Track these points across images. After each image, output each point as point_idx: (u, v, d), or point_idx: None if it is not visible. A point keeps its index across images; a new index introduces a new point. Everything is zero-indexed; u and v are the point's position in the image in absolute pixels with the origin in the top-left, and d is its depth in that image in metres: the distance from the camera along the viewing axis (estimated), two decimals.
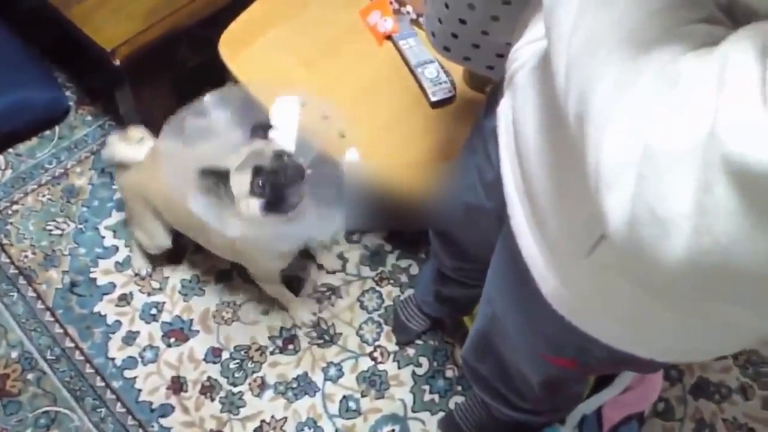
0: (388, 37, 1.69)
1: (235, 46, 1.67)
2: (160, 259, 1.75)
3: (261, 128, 1.34)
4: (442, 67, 1.64)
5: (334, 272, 1.78)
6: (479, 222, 1.08)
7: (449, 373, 1.67)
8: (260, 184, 1.23)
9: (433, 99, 1.60)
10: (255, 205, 1.25)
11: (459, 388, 1.66)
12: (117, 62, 1.54)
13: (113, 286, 1.72)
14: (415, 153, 1.56)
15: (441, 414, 1.62)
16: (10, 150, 1.90)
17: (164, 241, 1.63)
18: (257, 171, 1.24)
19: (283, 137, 1.35)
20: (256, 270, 1.61)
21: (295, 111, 1.45)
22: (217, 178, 1.26)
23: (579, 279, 0.69)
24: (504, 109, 0.81)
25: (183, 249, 1.77)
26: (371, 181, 1.45)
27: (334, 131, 1.47)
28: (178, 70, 1.84)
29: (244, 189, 1.25)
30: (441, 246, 1.33)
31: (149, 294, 1.72)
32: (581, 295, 0.70)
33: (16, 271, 1.72)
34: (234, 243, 1.46)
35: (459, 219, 1.18)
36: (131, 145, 1.56)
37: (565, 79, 0.54)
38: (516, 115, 0.77)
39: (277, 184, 1.24)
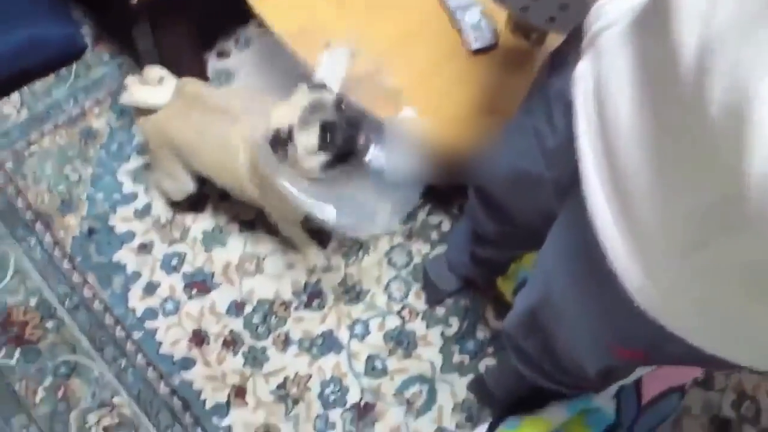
0: None
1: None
2: (181, 208, 1.68)
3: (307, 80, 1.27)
4: (484, 12, 1.52)
5: None
6: (533, 191, 0.99)
7: (480, 335, 1.61)
8: (331, 139, 1.19)
9: (475, 46, 1.49)
10: (322, 159, 1.20)
11: (490, 350, 1.60)
12: (134, 0, 1.44)
13: (133, 234, 1.66)
14: (454, 105, 1.47)
15: (470, 376, 1.56)
16: (25, 89, 1.81)
17: (189, 186, 1.56)
18: (324, 128, 1.18)
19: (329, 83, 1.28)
20: (280, 212, 1.53)
21: (343, 62, 1.36)
22: (279, 137, 1.20)
23: (671, 278, 0.61)
24: (583, 73, 0.72)
25: (205, 197, 1.70)
26: (410, 134, 1.36)
27: (384, 87, 1.39)
28: (200, 6, 1.73)
29: (311, 145, 1.20)
30: (483, 209, 1.25)
31: (170, 244, 1.66)
32: (672, 295, 0.62)
33: (34, 216, 1.66)
34: (267, 187, 1.39)
35: (508, 184, 1.09)
36: (151, 87, 1.48)
37: (697, 59, 0.46)
38: (602, 83, 0.67)
39: (349, 137, 1.19)
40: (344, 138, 1.19)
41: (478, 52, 1.50)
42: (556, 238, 0.90)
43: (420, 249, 1.70)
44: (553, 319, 0.96)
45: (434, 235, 1.72)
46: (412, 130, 1.32)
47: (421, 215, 1.74)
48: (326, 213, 1.22)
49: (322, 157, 1.20)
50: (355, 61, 1.37)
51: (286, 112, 1.22)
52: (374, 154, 1.23)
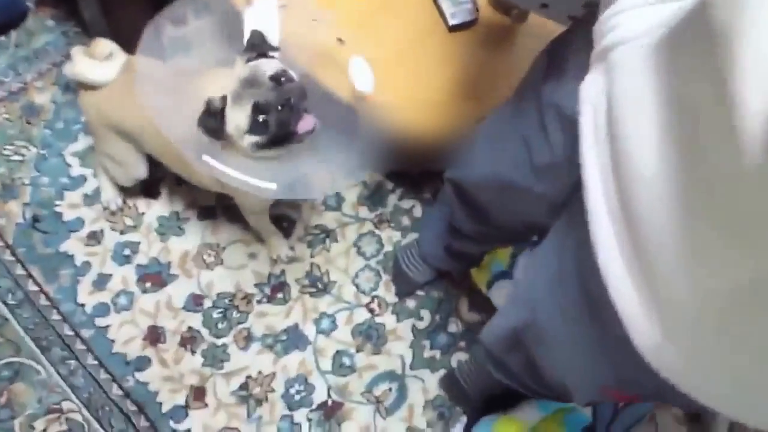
0: None
1: None
2: (133, 193, 1.56)
3: (254, 45, 1.13)
4: None
5: (328, 211, 1.60)
6: (518, 201, 0.90)
7: (452, 328, 1.54)
8: (262, 121, 1.05)
9: (452, 22, 1.37)
10: (254, 141, 1.07)
11: (462, 344, 1.53)
12: None
13: (81, 222, 1.54)
14: (429, 86, 1.35)
15: (442, 372, 1.49)
16: None
17: (139, 171, 1.44)
18: (257, 108, 1.05)
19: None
20: (244, 201, 1.42)
21: (273, 14, 1.23)
22: (210, 110, 1.07)
23: (701, 345, 0.52)
24: (591, 91, 0.61)
25: (159, 181, 1.58)
26: (378, 116, 1.25)
27: (326, 36, 1.26)
28: None
29: (241, 126, 1.07)
30: (461, 207, 1.16)
31: (122, 232, 1.54)
32: (698, 361, 0.53)
33: None
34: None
35: (491, 190, 1.00)
36: (98, 62, 1.34)
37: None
38: (615, 107, 0.57)
39: (282, 121, 1.06)
40: (278, 122, 1.05)
41: (456, 28, 1.38)
42: (546, 261, 0.81)
43: (390, 236, 1.60)
44: (539, 344, 0.88)
45: (405, 221, 1.62)
46: (360, 101, 1.21)
47: (392, 200, 1.64)
48: (264, 190, 1.10)
49: (254, 139, 1.07)
50: (287, 11, 1.23)
51: (222, 84, 1.09)
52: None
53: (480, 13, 1.39)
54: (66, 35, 1.71)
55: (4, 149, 1.58)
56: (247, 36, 1.17)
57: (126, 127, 1.33)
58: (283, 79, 1.08)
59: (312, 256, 1.56)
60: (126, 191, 1.55)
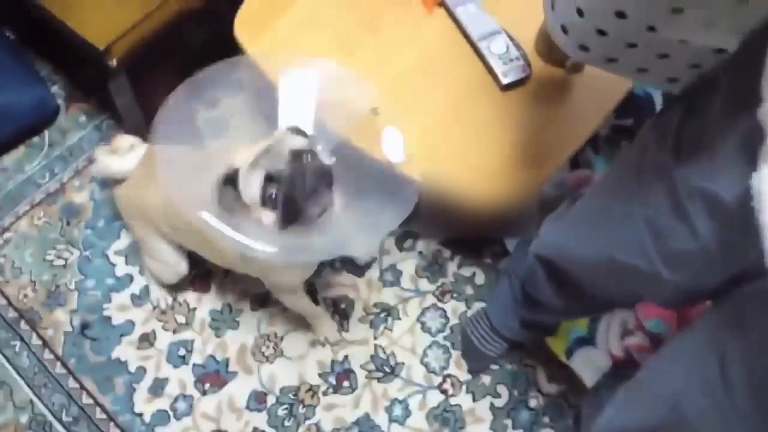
0: (440, 4, 1.37)
1: (253, 26, 1.36)
2: (183, 287, 1.48)
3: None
4: (512, 39, 1.32)
5: (387, 288, 1.51)
6: (636, 282, 0.82)
7: (533, 403, 1.43)
8: (272, 195, 0.98)
9: (505, 81, 1.29)
10: (269, 217, 1.00)
11: (546, 419, 1.41)
12: (113, 63, 1.24)
13: (132, 324, 1.46)
14: (484, 149, 1.27)
15: None
16: None
17: (179, 267, 1.37)
18: (269, 178, 0.98)
19: (296, 118, 1.10)
20: (273, 281, 1.34)
21: (311, 85, 1.16)
22: (230, 180, 1.00)
23: None
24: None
25: (208, 272, 1.51)
26: (427, 185, 1.17)
27: (363, 108, 1.19)
28: (184, 53, 1.53)
29: (254, 196, 0.99)
30: (551, 284, 1.07)
31: (175, 331, 1.46)
32: None
33: (16, 314, 1.46)
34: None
35: (598, 272, 0.92)
36: (122, 156, 1.31)
37: None
38: None
39: (292, 197, 0.98)
40: (285, 198, 0.98)
41: (509, 87, 1.30)
42: (697, 360, 0.73)
43: (455, 308, 1.51)
44: None
45: (469, 290, 1.53)
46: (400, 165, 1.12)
47: (451, 268, 1.54)
48: (265, 247, 1.01)
49: (272, 217, 1.00)
50: (325, 82, 1.16)
51: (247, 153, 1.02)
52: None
53: (533, 69, 1.31)
54: (99, 129, 1.66)
55: (47, 255, 1.52)
56: (281, 107, 1.11)
57: (151, 215, 1.28)
58: (307, 156, 1.01)
59: (375, 338, 1.47)
60: (175, 287, 1.47)
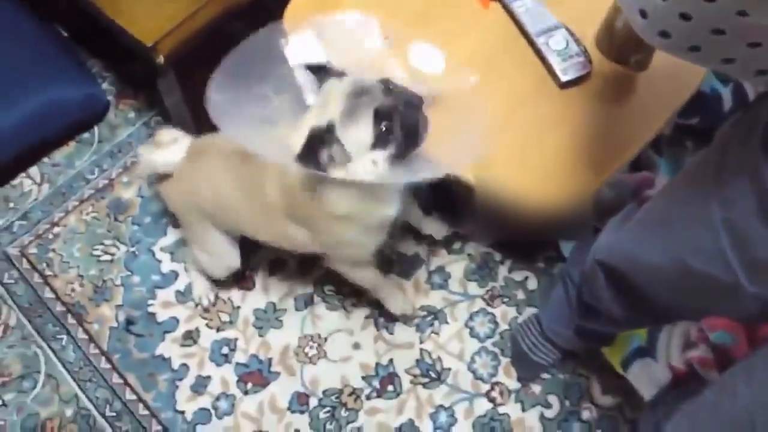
0: None
1: (303, 20, 1.32)
2: (227, 285, 1.47)
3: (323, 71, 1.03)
4: (572, 35, 1.26)
5: (434, 290, 1.47)
6: (710, 294, 0.76)
7: (586, 415, 1.36)
8: (389, 130, 0.93)
9: (564, 78, 1.23)
10: (380, 157, 0.95)
11: None
12: (160, 59, 1.22)
13: (176, 321, 1.45)
14: (542, 150, 1.21)
15: None
16: (45, 160, 1.62)
17: (232, 260, 1.36)
18: (379, 115, 0.93)
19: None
20: (342, 254, 1.30)
21: (313, 44, 1.14)
22: (316, 140, 0.94)
23: None
24: None
25: (252, 270, 1.49)
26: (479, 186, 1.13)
27: (373, 42, 1.17)
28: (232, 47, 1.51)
29: (364, 141, 0.94)
30: (613, 293, 1.01)
31: (218, 329, 1.45)
32: None
33: (64, 309, 1.47)
34: (325, 222, 1.15)
35: (666, 278, 0.86)
36: (166, 150, 1.29)
37: None
38: None
39: (411, 122, 0.95)
40: (405, 126, 0.94)
41: (568, 84, 1.24)
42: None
43: (505, 313, 1.45)
44: None
45: (520, 295, 1.47)
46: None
47: (502, 272, 1.49)
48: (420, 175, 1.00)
49: (383, 154, 0.95)
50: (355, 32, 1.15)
51: (319, 111, 0.97)
52: None
53: (593, 65, 1.25)
54: (147, 125, 1.67)
55: (94, 249, 1.52)
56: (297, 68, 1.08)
57: (205, 205, 1.26)
58: (391, 85, 0.97)
59: (421, 342, 1.42)
60: (219, 284, 1.46)
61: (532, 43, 1.28)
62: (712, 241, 0.73)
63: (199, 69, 1.37)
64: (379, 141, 0.94)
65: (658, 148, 1.53)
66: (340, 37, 1.19)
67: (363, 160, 0.95)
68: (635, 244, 0.93)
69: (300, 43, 1.11)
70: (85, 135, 1.65)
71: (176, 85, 1.38)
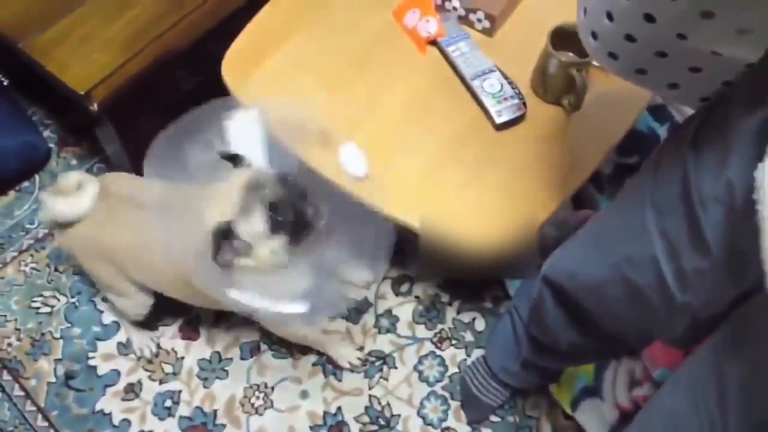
0: (432, 43, 1.34)
1: (241, 68, 1.32)
2: (170, 334, 1.43)
3: (229, 157, 1.06)
4: (506, 77, 1.28)
5: (381, 334, 1.45)
6: (648, 312, 0.79)
7: None
8: (279, 218, 0.98)
9: (499, 120, 1.24)
10: (278, 244, 0.99)
11: None
12: (94, 107, 1.21)
13: (117, 374, 1.41)
14: (480, 190, 1.22)
15: None
16: None
17: (146, 299, 1.31)
18: (272, 207, 0.98)
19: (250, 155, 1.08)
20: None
21: (254, 123, 1.14)
22: (219, 236, 0.97)
23: None
24: None
25: (197, 318, 1.46)
26: (423, 226, 1.15)
27: (314, 131, 1.18)
28: (174, 96, 1.50)
29: (259, 230, 0.98)
30: (561, 314, 1.04)
31: (161, 381, 1.41)
32: None
33: None
34: None
35: (610, 297, 0.88)
36: (71, 197, 1.22)
37: None
38: None
39: (300, 212, 1.00)
40: (296, 213, 0.99)
41: (503, 126, 1.25)
42: (689, 382, 0.72)
43: (454, 355, 1.44)
44: None
45: (468, 336, 1.46)
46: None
47: (450, 314, 1.48)
48: (296, 308, 1.03)
49: (279, 241, 0.99)
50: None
51: (221, 205, 1.00)
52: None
53: (528, 107, 1.27)
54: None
55: (33, 301, 1.48)
56: (233, 147, 1.08)
57: (113, 255, 1.22)
58: (288, 178, 1.02)
59: (370, 388, 1.40)
60: (148, 324, 1.42)
61: (467, 86, 1.29)
62: (646, 250, 0.75)
63: (137, 115, 1.37)
64: (273, 230, 0.98)
65: (600, 186, 1.55)
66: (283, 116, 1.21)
67: (262, 248, 0.99)
68: (577, 260, 0.95)
69: (241, 121, 1.12)
70: (25, 184, 1.62)
71: (113, 132, 1.36)
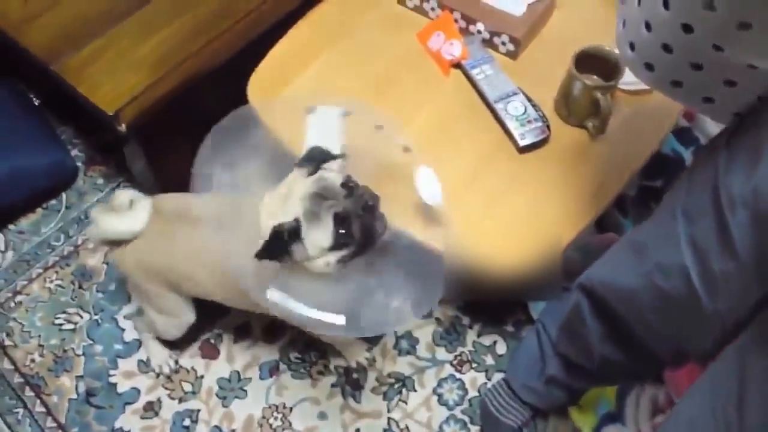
0: (456, 65, 1.35)
1: (266, 90, 1.34)
2: (190, 353, 1.44)
3: (312, 157, 1.03)
4: (530, 100, 1.28)
5: (402, 356, 1.44)
6: (677, 316, 0.80)
7: None
8: (348, 233, 0.95)
9: (522, 143, 1.24)
10: (335, 258, 0.97)
11: None
12: (122, 127, 1.23)
13: (137, 392, 1.41)
14: (503, 211, 1.21)
15: None
16: (11, 227, 1.61)
17: (190, 315, 1.32)
18: (339, 220, 0.94)
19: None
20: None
21: (335, 122, 1.15)
22: (281, 237, 0.94)
23: None
24: None
25: (218, 337, 1.46)
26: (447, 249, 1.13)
27: (393, 144, 1.16)
28: (201, 117, 1.52)
29: (324, 244, 0.95)
30: (597, 323, 1.03)
31: (181, 400, 1.41)
32: None
33: (22, 380, 1.42)
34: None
35: (641, 303, 0.89)
36: (122, 214, 1.23)
37: None
38: None
39: (368, 226, 0.96)
40: (362, 229, 0.96)
41: (526, 149, 1.25)
42: (711, 383, 0.74)
43: (474, 379, 1.42)
44: None
45: (489, 360, 1.44)
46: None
47: (471, 336, 1.47)
48: (333, 318, 0.99)
49: (338, 255, 0.97)
50: (350, 120, 1.16)
51: (283, 205, 0.98)
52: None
53: (552, 129, 1.27)
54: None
55: (56, 318, 1.50)
56: (309, 142, 1.08)
57: (167, 273, 1.23)
58: (352, 185, 0.98)
59: (389, 411, 1.39)
60: (175, 346, 1.42)
61: (491, 108, 1.30)
62: (677, 259, 0.76)
63: (163, 135, 1.39)
64: (337, 244, 0.96)
65: (624, 209, 1.54)
66: (362, 123, 1.19)
67: (319, 260, 0.97)
68: (611, 269, 0.97)
69: (324, 116, 1.13)
70: (53, 201, 1.64)
71: (140, 151, 1.38)
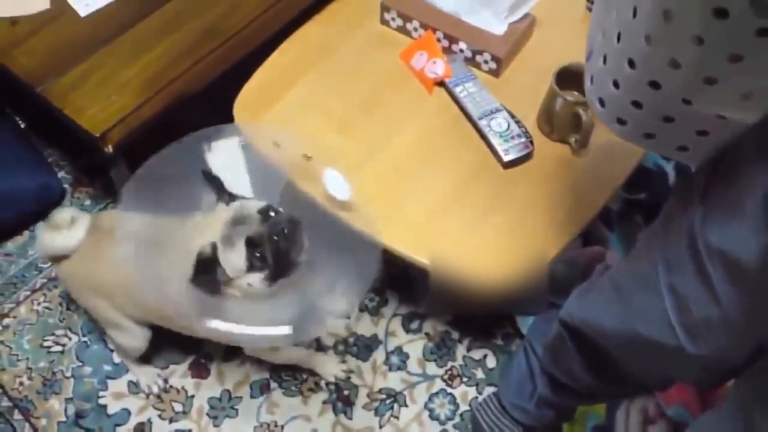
0: (440, 84, 1.37)
1: (252, 110, 1.36)
2: (180, 372, 1.44)
3: (213, 183, 1.10)
4: (513, 117, 1.30)
5: (392, 372, 1.45)
6: (659, 358, 0.80)
7: None
8: (259, 256, 1.00)
9: (506, 158, 1.26)
10: (256, 279, 1.02)
11: None
12: (109, 149, 1.24)
13: (128, 413, 1.41)
14: (488, 229, 1.23)
15: None
16: None
17: (143, 331, 1.32)
18: (251, 243, 1.00)
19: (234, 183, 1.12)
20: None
21: (235, 152, 1.20)
22: (203, 262, 1.01)
23: None
24: None
25: (208, 356, 1.46)
26: (432, 264, 1.17)
27: (295, 156, 1.22)
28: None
29: (239, 266, 1.01)
30: (579, 356, 1.03)
31: (171, 420, 1.40)
32: None
33: (10, 404, 1.41)
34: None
35: (623, 343, 0.89)
36: (64, 232, 1.24)
37: None
38: None
39: (280, 251, 1.01)
40: (274, 253, 1.01)
41: (510, 164, 1.27)
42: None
43: (465, 393, 1.43)
44: None
45: (479, 374, 1.45)
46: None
47: (461, 351, 1.48)
48: (280, 334, 1.06)
49: (257, 277, 1.02)
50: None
51: (205, 234, 1.03)
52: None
53: (535, 145, 1.29)
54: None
55: (45, 340, 1.49)
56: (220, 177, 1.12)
57: (103, 289, 1.25)
58: (271, 212, 1.04)
59: (380, 426, 1.39)
60: (145, 358, 1.42)
61: (475, 125, 1.32)
62: (657, 307, 0.76)
63: (150, 156, 1.39)
64: (253, 266, 1.01)
65: (609, 222, 1.56)
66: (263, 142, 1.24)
67: (240, 281, 1.02)
68: (592, 309, 0.96)
69: (223, 149, 1.16)
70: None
71: (127, 173, 1.38)
